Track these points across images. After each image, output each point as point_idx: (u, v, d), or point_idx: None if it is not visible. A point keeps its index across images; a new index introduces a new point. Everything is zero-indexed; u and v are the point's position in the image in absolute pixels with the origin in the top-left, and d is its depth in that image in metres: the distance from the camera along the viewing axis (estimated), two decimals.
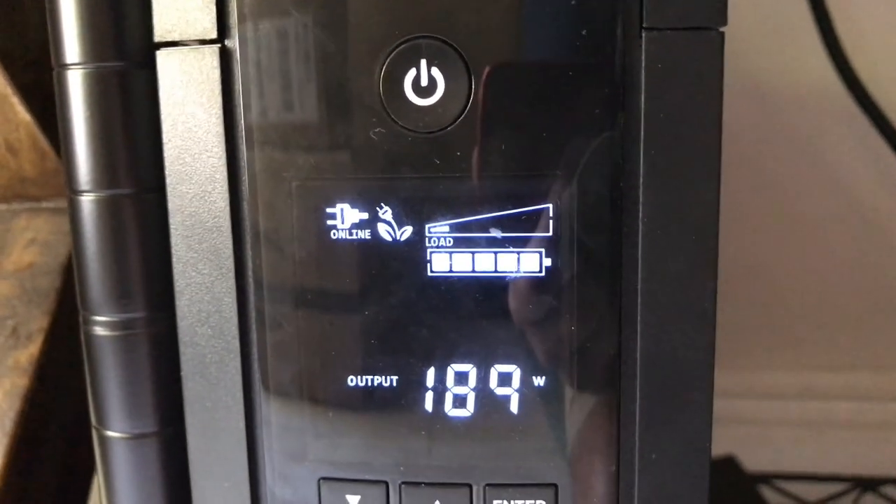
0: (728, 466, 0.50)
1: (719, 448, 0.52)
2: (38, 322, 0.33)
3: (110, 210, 0.23)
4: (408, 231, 0.21)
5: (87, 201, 0.23)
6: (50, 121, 0.33)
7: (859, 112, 0.45)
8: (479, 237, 0.21)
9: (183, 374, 0.23)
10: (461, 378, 0.22)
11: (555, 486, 0.22)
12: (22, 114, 0.32)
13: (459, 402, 0.22)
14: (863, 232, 0.51)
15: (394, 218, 0.21)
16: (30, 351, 0.33)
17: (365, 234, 0.22)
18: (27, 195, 0.36)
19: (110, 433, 0.24)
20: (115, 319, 0.23)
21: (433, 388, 0.22)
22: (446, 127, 0.21)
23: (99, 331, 0.23)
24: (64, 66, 0.22)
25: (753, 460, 0.50)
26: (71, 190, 0.23)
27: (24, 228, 0.36)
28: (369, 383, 0.22)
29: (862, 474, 0.50)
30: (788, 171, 0.50)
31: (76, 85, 0.22)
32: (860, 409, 0.54)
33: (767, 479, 0.50)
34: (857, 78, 0.44)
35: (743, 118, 0.49)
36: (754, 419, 0.54)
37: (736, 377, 0.53)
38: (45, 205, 0.36)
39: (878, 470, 0.50)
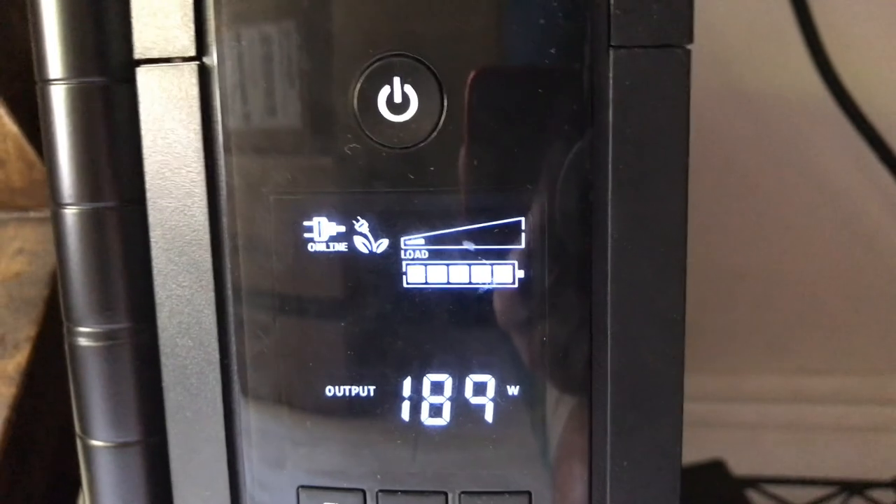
0: (716, 470, 0.50)
1: (707, 452, 0.52)
2: (25, 331, 0.33)
3: (93, 222, 0.23)
4: (384, 244, 0.22)
5: (71, 214, 0.23)
6: (37, 131, 0.33)
7: (844, 117, 0.45)
8: (454, 250, 0.22)
9: (164, 384, 0.24)
10: (437, 387, 0.22)
11: (528, 493, 0.23)
12: (9, 125, 0.32)
13: (435, 411, 0.23)
14: (849, 236, 0.51)
15: (370, 231, 0.22)
16: (17, 360, 0.33)
17: (342, 247, 0.22)
18: (15, 205, 0.36)
19: (94, 442, 0.24)
20: (98, 330, 0.23)
21: (409, 398, 0.23)
22: (420, 143, 0.21)
23: (83, 341, 0.24)
24: (47, 82, 0.22)
25: (741, 464, 0.50)
26: (54, 203, 0.23)
27: (11, 238, 0.36)
28: (347, 393, 0.23)
29: (850, 478, 0.50)
30: (775, 176, 0.51)
31: (59, 100, 0.22)
32: (848, 412, 0.54)
33: (755, 482, 0.50)
34: (840, 83, 0.44)
35: (728, 124, 0.49)
36: (742, 423, 0.54)
37: (723, 381, 0.54)
38: (32, 214, 0.36)
39: (865, 473, 0.50)
